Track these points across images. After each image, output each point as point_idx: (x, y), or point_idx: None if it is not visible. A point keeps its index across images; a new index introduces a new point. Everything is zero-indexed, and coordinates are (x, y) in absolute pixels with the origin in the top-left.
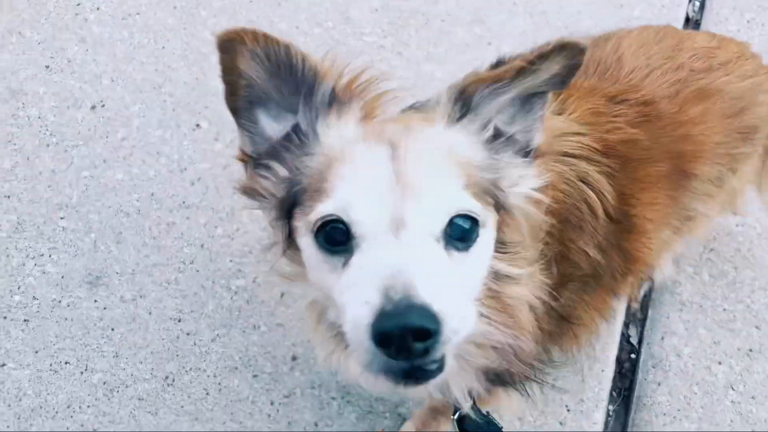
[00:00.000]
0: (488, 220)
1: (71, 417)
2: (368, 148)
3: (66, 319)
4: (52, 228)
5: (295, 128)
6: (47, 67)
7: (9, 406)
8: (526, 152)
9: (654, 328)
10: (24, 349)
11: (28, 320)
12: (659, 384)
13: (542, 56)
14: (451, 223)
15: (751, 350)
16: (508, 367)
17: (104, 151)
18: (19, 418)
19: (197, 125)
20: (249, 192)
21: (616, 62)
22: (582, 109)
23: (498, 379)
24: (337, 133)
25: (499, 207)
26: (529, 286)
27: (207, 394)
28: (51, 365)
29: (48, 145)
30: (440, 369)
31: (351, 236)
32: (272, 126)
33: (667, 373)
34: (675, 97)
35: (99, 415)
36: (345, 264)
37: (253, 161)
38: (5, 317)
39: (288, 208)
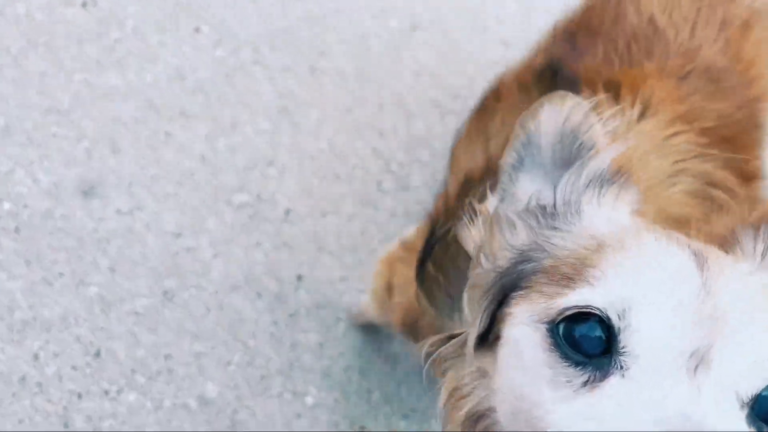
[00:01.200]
0: None
1: (66, 330)
2: (664, 245)
3: (59, 229)
4: (43, 134)
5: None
6: None
7: (1, 318)
8: None
9: None
10: (16, 260)
11: (19, 229)
12: None
13: None
14: (758, 395)
15: None
16: None
17: (97, 53)
18: (11, 331)
19: (197, 29)
20: (469, 244)
21: (652, 31)
22: (665, 102)
23: None
24: (606, 216)
25: None
26: None
27: (208, 311)
28: (44, 277)
29: (37, 46)
30: None
31: (613, 349)
32: (528, 189)
33: None
34: (727, 47)
35: (95, 329)
36: (588, 383)
37: (492, 217)
38: None
39: (503, 288)
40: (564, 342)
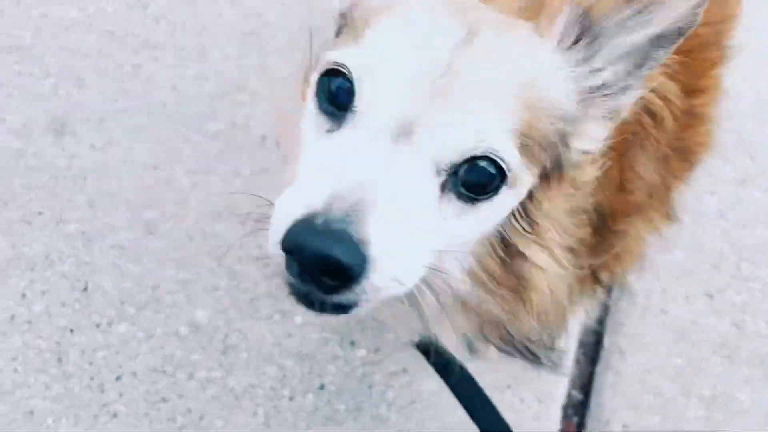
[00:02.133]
0: (522, 180)
1: (51, 267)
2: (427, 16)
3: (32, 168)
4: (6, 73)
5: None
6: None
7: None
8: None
9: None
10: None
11: None
12: None
13: None
14: (471, 163)
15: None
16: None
17: None
18: None
19: None
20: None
21: None
22: None
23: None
24: None
25: (552, 169)
26: (554, 276)
27: (191, 240)
28: (23, 216)
29: None
30: (350, 307)
31: (351, 106)
32: None
33: None
34: None
35: (80, 265)
36: (330, 131)
37: None
38: None
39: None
40: (321, 92)
